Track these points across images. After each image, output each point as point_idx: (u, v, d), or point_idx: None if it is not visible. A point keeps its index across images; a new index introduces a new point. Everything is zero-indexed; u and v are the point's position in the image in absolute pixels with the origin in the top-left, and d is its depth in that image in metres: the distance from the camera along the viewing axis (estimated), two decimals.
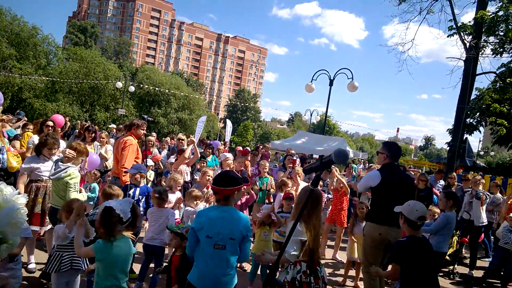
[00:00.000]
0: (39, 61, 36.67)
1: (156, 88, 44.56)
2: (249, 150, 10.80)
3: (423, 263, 3.23)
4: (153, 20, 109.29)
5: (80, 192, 4.56)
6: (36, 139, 5.68)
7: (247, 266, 5.60)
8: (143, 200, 5.08)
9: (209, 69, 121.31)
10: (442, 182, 9.05)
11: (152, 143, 8.71)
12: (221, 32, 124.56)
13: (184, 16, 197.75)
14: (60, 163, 4.42)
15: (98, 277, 2.88)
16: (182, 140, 9.13)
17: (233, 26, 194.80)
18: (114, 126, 14.47)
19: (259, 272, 4.99)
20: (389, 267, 3.71)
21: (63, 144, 6.74)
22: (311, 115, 29.36)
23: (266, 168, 7.45)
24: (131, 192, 5.07)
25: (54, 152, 4.80)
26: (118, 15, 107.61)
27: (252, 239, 3.15)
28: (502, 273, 6.52)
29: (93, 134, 6.99)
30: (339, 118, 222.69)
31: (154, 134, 12.25)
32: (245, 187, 5.91)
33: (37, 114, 33.13)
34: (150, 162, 7.36)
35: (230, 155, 7.27)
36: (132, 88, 33.74)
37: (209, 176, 5.71)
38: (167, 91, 45.35)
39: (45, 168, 4.66)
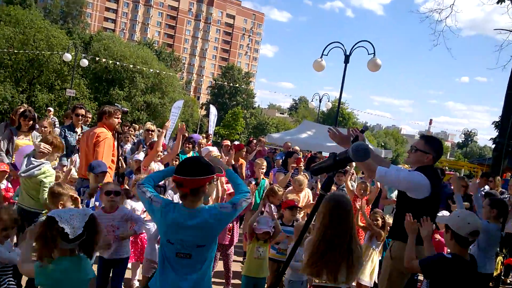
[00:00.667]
0: None
1: (117, 63, 44.18)
2: (244, 145, 10.83)
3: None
4: None
5: None
6: None
7: None
8: (101, 208, 5.11)
9: (188, 39, 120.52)
10: (487, 188, 9.20)
11: (153, 133, 8.78)
12: None
13: None
14: (32, 159, 4.63)
15: None
16: (152, 131, 9.17)
17: None
18: (51, 109, 14.24)
19: None
20: None
21: None
22: (320, 101, 29.46)
23: (263, 168, 7.52)
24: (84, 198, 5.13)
25: None
26: None
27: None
28: None
29: (31, 122, 6.79)
30: (356, 106, 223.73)
31: (151, 122, 12.23)
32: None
33: None
34: (141, 156, 7.41)
35: (214, 148, 7.31)
36: (85, 62, 33.32)
37: None
38: (131, 66, 45.02)
39: None
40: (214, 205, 3.22)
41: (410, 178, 3.92)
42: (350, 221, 3.28)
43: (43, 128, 7.53)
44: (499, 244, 5.69)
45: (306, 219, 2.58)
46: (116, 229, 4.61)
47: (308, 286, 4.88)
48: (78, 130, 7.49)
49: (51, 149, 4.86)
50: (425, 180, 3.91)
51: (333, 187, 7.49)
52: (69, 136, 7.40)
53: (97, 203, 5.05)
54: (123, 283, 5.01)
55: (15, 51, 37.13)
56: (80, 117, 7.53)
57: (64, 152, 7.21)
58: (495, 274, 6.28)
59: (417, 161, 4.17)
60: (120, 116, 6.45)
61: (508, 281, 8.04)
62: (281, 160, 9.90)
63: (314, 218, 3.20)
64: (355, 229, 3.42)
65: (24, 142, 6.64)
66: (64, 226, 2.70)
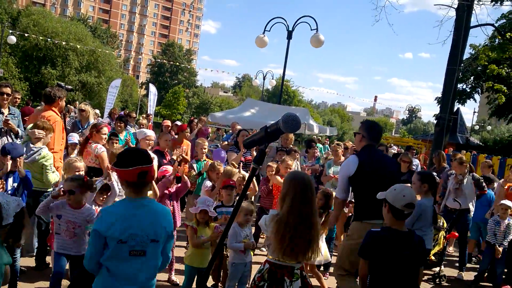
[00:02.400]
0: None
1: (49, 40, 42.48)
2: (186, 125, 10.72)
3: (399, 262, 3.38)
4: None
5: (54, 172, 5.51)
6: None
7: (179, 279, 5.66)
8: (21, 189, 5.04)
9: (125, 14, 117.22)
10: (416, 161, 9.60)
11: (88, 114, 8.50)
12: None
13: None
14: (31, 145, 5.41)
15: None
16: (83, 111, 8.95)
17: None
18: None
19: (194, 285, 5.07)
20: None
21: None
22: (264, 79, 29.57)
23: (204, 148, 7.51)
24: (8, 180, 4.97)
25: None
26: None
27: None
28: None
29: None
30: (301, 83, 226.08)
31: (87, 103, 11.74)
32: (165, 168, 5.95)
33: None
34: (76, 137, 7.19)
35: (151, 133, 7.20)
36: (12, 39, 31.94)
37: None
38: (64, 43, 43.38)
39: None
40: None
41: (340, 168, 4.84)
42: (313, 199, 3.37)
43: None
44: (436, 219, 5.92)
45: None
46: (76, 227, 4.49)
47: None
48: (5, 111, 7.14)
49: (45, 133, 5.50)
50: (350, 160, 4.73)
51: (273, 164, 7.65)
52: None
53: (15, 184, 4.95)
54: None
55: None
56: (5, 96, 7.18)
57: None
58: (438, 248, 6.53)
59: (356, 142, 4.96)
60: (65, 97, 6.56)
61: (453, 252, 8.41)
62: (226, 142, 9.97)
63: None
64: (316, 205, 3.54)
65: None
66: (3, 213, 2.79)
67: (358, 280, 4.70)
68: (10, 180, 4.97)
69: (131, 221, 2.81)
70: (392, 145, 27.10)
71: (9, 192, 4.85)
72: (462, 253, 7.76)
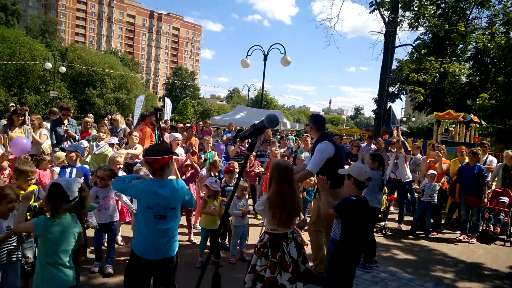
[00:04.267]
0: None
1: (89, 68, 41.78)
2: (196, 127, 10.66)
3: (362, 220, 3.42)
4: None
5: None
6: None
7: (197, 239, 5.61)
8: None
9: (144, 47, 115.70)
10: (373, 146, 9.63)
11: (90, 124, 8.26)
12: (154, 9, 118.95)
13: None
14: (98, 143, 6.40)
15: (39, 254, 2.80)
16: (115, 120, 8.93)
17: (165, 3, 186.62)
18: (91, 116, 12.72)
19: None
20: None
21: None
22: (248, 90, 29.46)
23: (210, 143, 7.49)
24: (67, 172, 4.95)
25: None
26: None
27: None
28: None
29: (22, 117, 6.54)
30: (275, 93, 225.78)
31: (91, 115, 11.56)
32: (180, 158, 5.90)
33: None
34: (85, 143, 7.01)
35: (179, 135, 7.14)
36: (63, 69, 31.32)
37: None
38: (101, 70, 42.69)
39: None
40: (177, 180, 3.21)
41: (318, 154, 4.44)
42: (293, 180, 3.29)
43: (32, 122, 7.04)
44: (383, 186, 5.95)
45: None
46: (110, 198, 4.58)
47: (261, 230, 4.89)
48: (66, 122, 7.10)
49: (105, 136, 6.58)
50: (327, 146, 4.47)
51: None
52: (58, 128, 7.02)
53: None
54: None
55: (5, 62, 34.40)
56: (65, 112, 7.20)
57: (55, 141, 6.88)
58: (382, 208, 6.58)
59: (314, 133, 4.77)
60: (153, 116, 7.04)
61: (394, 211, 8.47)
62: (226, 136, 9.92)
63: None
64: (296, 184, 3.46)
65: (17, 134, 6.29)
66: (66, 190, 2.77)
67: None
68: (74, 170, 5.04)
69: (157, 194, 2.88)
70: (344, 134, 27.19)
71: None
72: (400, 210, 7.83)
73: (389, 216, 7.67)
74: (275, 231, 3.15)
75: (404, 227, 7.61)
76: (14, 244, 3.33)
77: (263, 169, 7.45)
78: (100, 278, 4.33)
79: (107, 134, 6.81)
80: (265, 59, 15.08)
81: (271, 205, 3.13)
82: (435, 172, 7.24)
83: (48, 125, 7.68)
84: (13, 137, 6.09)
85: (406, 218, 7.93)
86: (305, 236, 6.00)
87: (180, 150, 6.64)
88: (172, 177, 4.80)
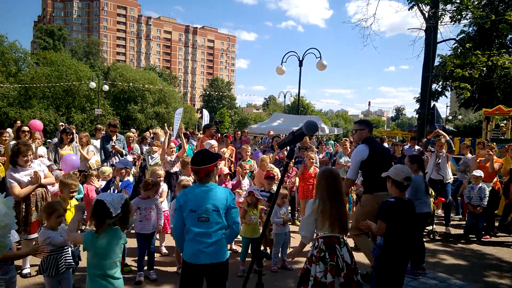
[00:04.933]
0: (9, 69, 35.30)
1: (131, 84, 43.60)
2: (231, 136, 10.83)
3: (407, 223, 3.33)
4: (120, 17, 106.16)
5: None
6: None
7: (239, 248, 5.65)
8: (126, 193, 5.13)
9: (181, 61, 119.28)
10: (417, 147, 9.29)
11: (132, 139, 8.59)
12: (189, 23, 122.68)
13: (151, 11, 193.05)
14: (153, 155, 7.00)
15: (88, 266, 2.93)
16: (155, 134, 9.27)
17: (200, 17, 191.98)
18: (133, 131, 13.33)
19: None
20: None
21: (43, 150, 6.57)
22: (284, 97, 29.39)
23: (248, 152, 7.54)
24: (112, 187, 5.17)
25: (30, 159, 4.47)
26: (83, 16, 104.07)
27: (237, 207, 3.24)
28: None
29: (71, 136, 6.93)
30: (312, 98, 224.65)
31: (133, 130, 12.07)
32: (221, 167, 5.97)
33: (12, 122, 31.87)
34: (130, 158, 7.31)
35: (214, 142, 7.27)
36: (106, 87, 32.94)
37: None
38: (141, 86, 44.43)
39: (26, 178, 4.40)
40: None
41: (353, 156, 4.58)
42: (341, 186, 3.30)
43: (81, 139, 7.44)
44: (428, 189, 5.72)
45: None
46: (151, 210, 4.70)
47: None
48: (114, 138, 7.45)
49: (158, 148, 7.11)
50: (361, 148, 4.50)
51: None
52: (106, 144, 7.39)
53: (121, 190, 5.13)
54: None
55: (53, 85, 36.71)
56: (112, 128, 7.62)
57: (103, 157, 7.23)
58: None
59: (359, 137, 4.71)
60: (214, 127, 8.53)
61: (441, 214, 8.12)
62: (263, 145, 9.97)
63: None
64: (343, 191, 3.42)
65: (66, 151, 6.67)
66: (109, 207, 2.85)
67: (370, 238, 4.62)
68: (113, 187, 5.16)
69: (200, 197, 2.97)
70: (385, 136, 26.41)
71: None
72: (446, 212, 7.48)
73: (436, 220, 7.33)
74: (328, 235, 3.15)
75: (453, 231, 7.26)
76: (69, 252, 3.55)
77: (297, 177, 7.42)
78: (147, 286, 4.45)
79: (159, 146, 7.15)
80: (301, 64, 15.05)
81: (324, 210, 3.14)
82: (481, 173, 6.83)
83: (95, 141, 8.08)
84: (63, 155, 6.50)
85: (454, 221, 7.54)
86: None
87: None
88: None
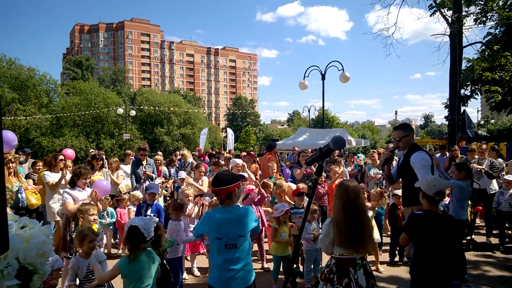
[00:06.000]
0: (41, 100, 36.91)
1: (156, 108, 44.72)
2: (254, 154, 10.88)
3: (436, 237, 3.18)
4: (144, 44, 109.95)
5: None
6: (48, 174, 5.76)
7: (270, 266, 5.61)
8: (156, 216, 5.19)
9: (204, 83, 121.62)
10: (447, 153, 9.06)
11: (160, 162, 8.75)
12: (210, 45, 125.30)
13: (173, 35, 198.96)
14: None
15: None
16: (183, 155, 9.43)
17: (221, 38, 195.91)
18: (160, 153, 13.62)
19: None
20: None
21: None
22: (309, 111, 29.39)
23: (274, 169, 7.52)
24: (143, 210, 5.29)
25: (88, 182, 4.93)
26: (109, 45, 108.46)
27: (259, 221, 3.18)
28: None
29: (101, 162, 7.09)
30: (337, 110, 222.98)
31: (160, 153, 12.29)
32: (244, 183, 5.99)
33: (46, 151, 33.25)
34: (158, 180, 7.42)
35: (239, 160, 7.33)
36: (133, 112, 33.95)
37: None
38: (167, 109, 45.49)
39: (82, 198, 4.79)
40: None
41: (421, 166, 3.91)
42: (361, 200, 3.09)
43: (111, 165, 7.64)
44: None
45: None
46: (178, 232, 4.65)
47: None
48: (144, 162, 7.58)
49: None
50: (423, 156, 3.99)
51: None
52: (137, 168, 7.51)
53: (152, 214, 5.12)
54: (185, 271, 5.00)
55: (83, 113, 38.07)
56: (141, 152, 7.68)
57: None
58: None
59: (407, 144, 4.21)
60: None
61: (480, 224, 7.81)
62: (290, 161, 9.93)
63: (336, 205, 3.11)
64: (365, 205, 3.23)
65: (97, 177, 6.80)
66: (143, 232, 2.95)
67: None
68: (149, 210, 5.28)
69: (225, 224, 2.90)
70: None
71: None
72: (487, 223, 7.18)
73: (476, 230, 7.05)
74: (341, 256, 3.01)
75: (494, 241, 6.96)
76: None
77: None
78: None
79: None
80: (323, 78, 15.07)
81: (336, 227, 2.99)
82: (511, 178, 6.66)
83: (124, 166, 8.27)
84: (94, 181, 6.69)
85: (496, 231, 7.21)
86: (382, 256, 5.74)
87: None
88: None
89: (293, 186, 6.51)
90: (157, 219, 3.37)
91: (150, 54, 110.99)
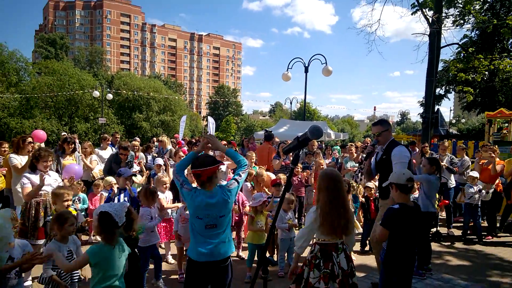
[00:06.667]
0: (10, 79, 35.42)
1: (135, 93, 43.82)
2: (236, 143, 10.91)
3: (410, 228, 3.35)
4: (123, 25, 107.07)
5: None
6: (15, 157, 5.48)
7: (245, 254, 5.72)
8: (129, 202, 5.14)
9: (186, 69, 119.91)
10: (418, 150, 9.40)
11: (137, 148, 8.68)
12: (194, 31, 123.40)
13: (155, 18, 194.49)
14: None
15: (93, 279, 2.92)
16: (161, 141, 9.34)
17: (205, 24, 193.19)
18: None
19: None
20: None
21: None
22: (291, 103, 29.46)
23: (253, 159, 7.59)
24: (120, 196, 5.17)
25: (50, 165, 4.76)
26: (86, 24, 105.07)
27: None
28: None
29: (73, 145, 6.85)
30: (318, 103, 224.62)
31: (137, 139, 12.14)
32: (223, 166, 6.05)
33: (14, 133, 31.96)
34: (136, 167, 7.35)
35: (218, 153, 7.36)
36: (110, 96, 33.05)
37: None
38: (146, 95, 44.66)
39: (48, 182, 4.65)
40: (224, 184, 3.22)
41: (400, 161, 4.05)
42: (343, 188, 3.21)
43: (84, 149, 7.50)
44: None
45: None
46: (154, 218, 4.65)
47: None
48: (123, 163, 6.81)
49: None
50: (404, 150, 4.16)
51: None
52: (115, 166, 6.87)
53: (125, 198, 5.09)
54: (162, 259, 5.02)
55: (56, 94, 36.85)
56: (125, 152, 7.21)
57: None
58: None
59: (386, 139, 4.37)
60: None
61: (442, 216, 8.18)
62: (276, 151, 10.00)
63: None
64: (346, 192, 3.33)
65: (69, 161, 6.64)
66: (115, 218, 2.86)
67: None
68: (122, 195, 5.15)
69: (206, 207, 2.98)
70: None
71: None
72: (448, 214, 7.65)
73: (439, 222, 7.47)
74: (325, 241, 3.13)
75: (455, 232, 7.41)
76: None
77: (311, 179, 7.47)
78: None
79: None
80: (306, 70, 15.14)
81: (323, 214, 3.07)
82: (477, 174, 7.15)
83: (100, 151, 8.09)
84: (65, 165, 6.49)
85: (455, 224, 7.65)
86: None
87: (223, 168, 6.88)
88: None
89: (273, 176, 6.63)
90: (128, 203, 3.31)
91: (130, 36, 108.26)
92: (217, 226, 3.02)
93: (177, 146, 11.53)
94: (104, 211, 2.91)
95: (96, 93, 30.26)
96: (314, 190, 7.07)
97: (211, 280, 3.06)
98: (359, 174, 7.73)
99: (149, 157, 9.35)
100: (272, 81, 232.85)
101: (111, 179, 6.12)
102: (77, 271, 3.56)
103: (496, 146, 8.28)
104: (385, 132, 4.36)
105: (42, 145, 8.52)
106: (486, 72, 21.95)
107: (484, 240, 6.91)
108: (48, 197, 4.63)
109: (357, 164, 8.26)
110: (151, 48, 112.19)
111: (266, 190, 6.51)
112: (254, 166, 7.42)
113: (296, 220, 6.35)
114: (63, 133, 14.91)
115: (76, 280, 3.59)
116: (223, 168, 6.01)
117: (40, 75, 40.21)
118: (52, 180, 4.79)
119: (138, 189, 5.77)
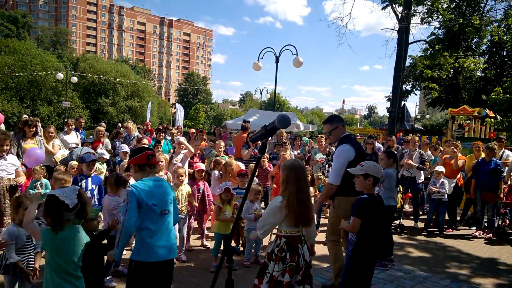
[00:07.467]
0: None
1: (101, 77, 42.46)
2: (205, 131, 10.76)
3: (378, 218, 3.45)
4: (90, 6, 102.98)
5: None
6: None
7: (210, 244, 5.68)
8: (96, 189, 5.04)
9: (155, 54, 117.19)
10: (378, 145, 9.65)
11: (102, 133, 8.40)
12: (164, 15, 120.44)
13: (123, 0, 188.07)
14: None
15: (46, 265, 2.73)
16: (127, 128, 9.13)
17: (176, 9, 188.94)
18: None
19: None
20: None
21: None
22: (261, 93, 29.46)
23: (221, 148, 7.53)
24: (82, 183, 4.98)
25: (6, 149, 4.55)
26: (51, 3, 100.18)
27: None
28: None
29: (34, 128, 6.48)
30: (288, 95, 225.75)
31: (103, 124, 11.78)
32: (198, 165, 5.97)
33: None
34: (106, 154, 7.12)
35: (183, 139, 7.23)
36: (74, 79, 31.87)
37: (162, 162, 5.65)
38: (113, 79, 43.38)
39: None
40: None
41: (340, 157, 4.08)
42: (307, 179, 3.22)
43: (49, 133, 7.15)
44: (398, 184, 5.96)
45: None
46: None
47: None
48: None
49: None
50: (347, 148, 4.09)
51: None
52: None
53: (93, 186, 4.96)
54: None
55: (17, 75, 35.29)
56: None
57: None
58: (398, 206, 6.61)
59: (337, 137, 4.33)
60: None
61: (408, 210, 8.44)
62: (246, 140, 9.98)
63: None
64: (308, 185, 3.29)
65: (30, 145, 6.32)
66: (63, 199, 2.65)
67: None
68: (89, 181, 5.01)
69: (157, 190, 2.99)
70: (358, 134, 26.97)
71: (88, 192, 4.86)
72: (415, 208, 7.82)
73: (404, 215, 7.68)
74: (291, 234, 3.09)
75: (420, 225, 7.64)
76: (33, 252, 3.46)
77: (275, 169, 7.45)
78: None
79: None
80: (277, 61, 15.12)
81: (290, 205, 3.02)
82: (442, 169, 7.32)
83: (64, 136, 7.81)
84: (26, 148, 6.17)
85: (422, 216, 7.90)
86: (318, 236, 6.04)
87: (179, 156, 6.81)
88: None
89: (242, 166, 6.59)
90: (78, 187, 3.25)
91: (97, 17, 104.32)
92: (170, 212, 3.08)
93: (147, 132, 11.29)
94: (51, 194, 2.74)
95: (60, 76, 29.05)
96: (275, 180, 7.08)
97: (163, 277, 3.03)
98: (326, 166, 7.88)
99: (118, 143, 9.09)
100: (243, 70, 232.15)
101: (74, 162, 5.91)
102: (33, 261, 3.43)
103: (459, 142, 8.59)
104: (335, 130, 4.32)
105: (2, 127, 8.10)
106: (451, 70, 22.80)
107: (444, 233, 7.16)
108: (2, 182, 4.39)
109: (325, 156, 8.38)
110: (118, 31, 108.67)
111: (234, 180, 6.47)
112: (223, 155, 7.35)
113: (263, 211, 6.33)
114: (24, 116, 14.19)
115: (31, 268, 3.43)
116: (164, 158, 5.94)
117: (0, 54, 38.11)
118: (8, 164, 4.54)
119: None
